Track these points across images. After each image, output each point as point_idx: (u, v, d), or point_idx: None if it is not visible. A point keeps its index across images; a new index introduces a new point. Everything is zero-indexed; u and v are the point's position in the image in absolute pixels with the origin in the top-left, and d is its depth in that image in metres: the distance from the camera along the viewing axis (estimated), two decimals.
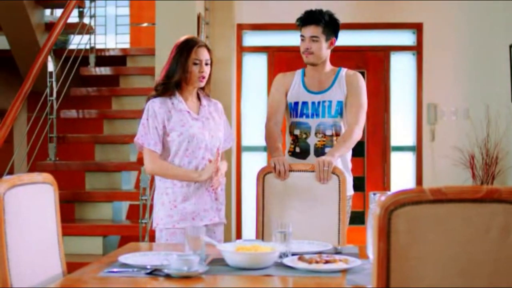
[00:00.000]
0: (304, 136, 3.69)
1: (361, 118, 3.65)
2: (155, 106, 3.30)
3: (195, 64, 3.30)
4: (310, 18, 3.72)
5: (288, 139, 3.79)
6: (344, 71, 3.78)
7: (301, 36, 3.74)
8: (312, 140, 3.66)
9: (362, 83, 3.73)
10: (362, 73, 6.85)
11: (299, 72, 3.85)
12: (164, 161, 3.29)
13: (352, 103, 3.66)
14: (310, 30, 3.70)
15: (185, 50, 3.32)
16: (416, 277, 1.73)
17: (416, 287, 1.73)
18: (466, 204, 1.73)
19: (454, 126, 6.80)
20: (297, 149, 3.71)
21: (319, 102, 3.69)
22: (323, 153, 3.57)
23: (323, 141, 3.64)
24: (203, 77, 3.33)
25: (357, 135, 3.62)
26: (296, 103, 3.73)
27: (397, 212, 1.71)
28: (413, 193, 1.72)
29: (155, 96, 3.34)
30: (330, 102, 3.67)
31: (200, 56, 3.31)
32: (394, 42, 6.98)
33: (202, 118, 3.35)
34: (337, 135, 3.64)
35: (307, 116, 3.70)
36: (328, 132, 3.65)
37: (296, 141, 3.72)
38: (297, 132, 3.72)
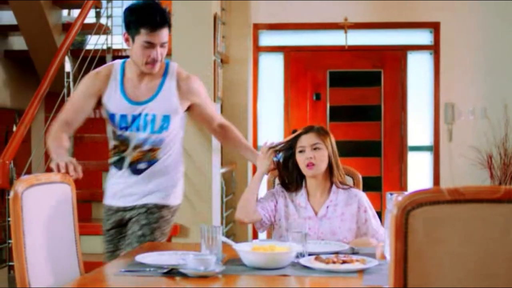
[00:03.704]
0: None
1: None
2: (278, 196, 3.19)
3: (300, 152, 3.08)
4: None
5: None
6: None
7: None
8: None
9: (198, 85, 3.28)
10: (379, 73, 6.94)
11: None
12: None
13: (205, 106, 3.31)
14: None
15: (291, 141, 3.12)
16: (434, 277, 1.72)
17: None
18: (484, 204, 1.72)
19: (471, 126, 6.76)
20: None
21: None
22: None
23: None
24: (312, 164, 3.05)
25: None
26: None
27: (414, 212, 1.70)
28: (430, 193, 1.71)
29: (283, 188, 3.18)
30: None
31: (304, 143, 3.08)
32: (411, 41, 6.95)
33: (318, 217, 3.09)
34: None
35: None
36: None
37: None
38: None
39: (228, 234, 5.96)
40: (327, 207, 3.09)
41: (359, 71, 6.88)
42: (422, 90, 6.93)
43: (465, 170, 6.69)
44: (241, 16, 6.83)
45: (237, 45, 6.81)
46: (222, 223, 5.71)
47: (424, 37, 6.96)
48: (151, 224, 3.12)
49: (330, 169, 3.11)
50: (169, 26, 3.06)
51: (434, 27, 6.85)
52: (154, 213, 3.15)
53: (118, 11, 7.37)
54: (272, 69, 7.07)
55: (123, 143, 3.20)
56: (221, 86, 5.56)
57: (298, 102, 6.98)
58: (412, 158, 6.91)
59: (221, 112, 6.03)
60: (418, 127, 6.93)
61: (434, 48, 6.87)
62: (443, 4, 6.78)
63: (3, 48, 6.73)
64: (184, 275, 2.33)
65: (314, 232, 3.02)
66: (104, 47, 6.60)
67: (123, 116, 3.13)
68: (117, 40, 7.04)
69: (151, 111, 3.11)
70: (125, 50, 6.86)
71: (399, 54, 6.92)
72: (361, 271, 2.39)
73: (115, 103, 3.13)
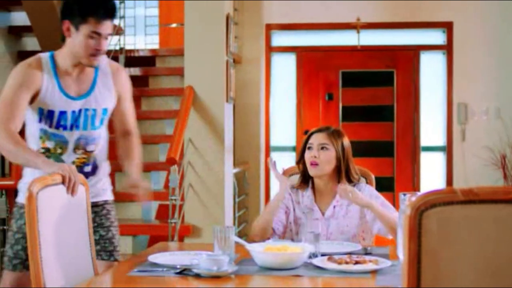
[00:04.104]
0: None
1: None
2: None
3: (308, 149, 3.08)
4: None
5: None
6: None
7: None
8: None
9: (127, 78, 3.09)
10: (391, 73, 6.94)
11: None
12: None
13: (126, 102, 3.07)
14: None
15: (306, 140, 3.12)
16: (447, 278, 1.72)
17: None
18: (497, 205, 1.71)
19: (485, 126, 6.73)
20: None
21: None
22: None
23: None
24: (315, 163, 3.04)
25: None
26: None
27: (428, 212, 1.70)
28: (444, 193, 1.71)
29: (290, 189, 3.14)
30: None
31: (313, 140, 3.08)
32: (424, 41, 6.93)
33: (326, 217, 3.07)
34: None
35: None
36: None
37: None
38: None
39: (240, 235, 5.97)
40: (334, 207, 3.08)
41: (371, 71, 6.86)
42: (435, 90, 6.91)
43: (478, 170, 6.66)
44: (253, 16, 6.85)
45: (250, 45, 6.82)
46: (234, 224, 5.72)
47: (436, 37, 6.93)
48: (114, 223, 3.05)
49: (338, 172, 3.09)
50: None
51: (447, 27, 6.83)
52: (110, 211, 3.03)
53: (130, 12, 7.40)
54: (285, 69, 7.07)
55: (59, 144, 2.86)
56: (234, 86, 5.57)
57: (311, 102, 6.98)
58: (425, 159, 6.89)
59: (234, 112, 6.03)
60: (431, 127, 6.90)
61: (447, 48, 6.84)
62: (456, 4, 6.75)
63: (16, 49, 6.76)
64: (197, 275, 2.33)
65: (323, 234, 2.99)
66: (117, 47, 6.62)
67: (63, 113, 2.82)
68: (130, 41, 7.08)
69: (91, 106, 2.87)
70: (138, 50, 6.89)
71: (411, 54, 6.90)
72: (374, 272, 2.39)
73: (54, 99, 2.80)
